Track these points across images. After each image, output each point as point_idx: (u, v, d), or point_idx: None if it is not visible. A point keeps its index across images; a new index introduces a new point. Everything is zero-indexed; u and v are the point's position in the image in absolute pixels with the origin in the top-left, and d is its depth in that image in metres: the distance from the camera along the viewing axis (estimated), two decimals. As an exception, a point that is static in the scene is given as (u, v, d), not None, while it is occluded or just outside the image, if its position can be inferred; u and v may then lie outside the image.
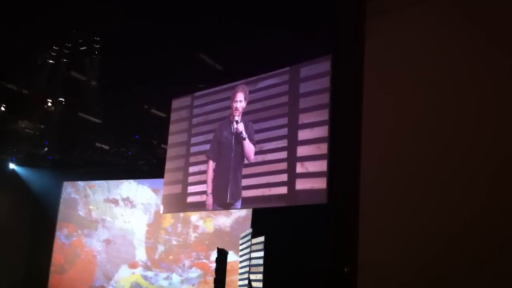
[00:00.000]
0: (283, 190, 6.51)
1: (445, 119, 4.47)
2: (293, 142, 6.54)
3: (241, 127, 7.14)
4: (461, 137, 4.34)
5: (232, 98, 7.44)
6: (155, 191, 11.38)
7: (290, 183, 6.46)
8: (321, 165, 6.17)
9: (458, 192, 4.26)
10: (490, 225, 4.03)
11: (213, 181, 7.46)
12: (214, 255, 7.16)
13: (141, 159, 11.07)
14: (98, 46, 6.84)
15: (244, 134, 7.09)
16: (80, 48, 6.92)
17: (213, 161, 7.52)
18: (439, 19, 4.73)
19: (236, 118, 7.24)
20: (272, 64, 6.87)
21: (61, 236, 12.61)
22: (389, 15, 5.07)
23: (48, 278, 12.33)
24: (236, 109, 7.29)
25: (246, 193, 6.94)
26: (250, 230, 7.24)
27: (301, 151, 6.43)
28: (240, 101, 7.30)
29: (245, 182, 6.98)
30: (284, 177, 6.54)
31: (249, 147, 7.02)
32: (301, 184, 6.35)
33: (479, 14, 4.48)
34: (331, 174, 6.09)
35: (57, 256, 12.49)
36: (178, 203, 8.05)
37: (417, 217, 4.49)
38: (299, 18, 5.88)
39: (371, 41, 5.14)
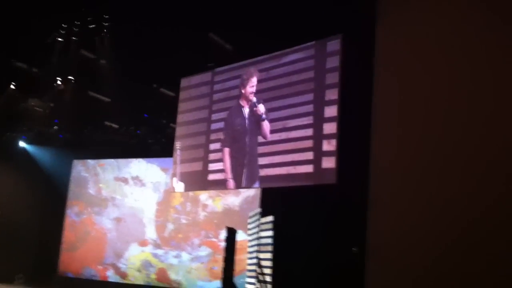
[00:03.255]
0: (309, 168, 6.37)
1: (459, 103, 4.43)
2: (319, 119, 6.36)
3: (262, 108, 7.05)
4: (476, 122, 4.30)
5: (245, 84, 7.35)
6: (165, 170, 11.40)
7: (316, 161, 6.30)
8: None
9: (471, 178, 4.23)
10: (504, 212, 4.01)
11: (231, 166, 7.41)
12: (223, 234, 7.21)
13: (151, 138, 11.10)
14: (107, 24, 6.83)
15: (265, 116, 7.01)
16: (89, 26, 6.92)
17: (228, 148, 7.46)
18: (452, 2, 4.66)
19: (254, 99, 7.16)
20: (296, 38, 6.70)
21: (71, 214, 12.70)
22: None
23: (59, 256, 12.45)
24: (252, 93, 7.22)
25: (269, 171, 6.82)
26: (258, 210, 7.26)
27: (328, 128, 6.25)
28: (253, 86, 7.23)
29: (268, 160, 6.85)
30: (310, 155, 6.38)
31: (267, 126, 6.93)
32: (327, 163, 6.18)
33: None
34: (341, 155, 6.06)
35: (68, 234, 12.59)
36: (198, 181, 7.96)
37: (427, 200, 4.48)
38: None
39: (383, 23, 5.09)
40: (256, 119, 7.07)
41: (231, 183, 7.37)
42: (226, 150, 7.47)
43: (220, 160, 7.58)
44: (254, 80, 7.22)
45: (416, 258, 4.44)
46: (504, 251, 3.92)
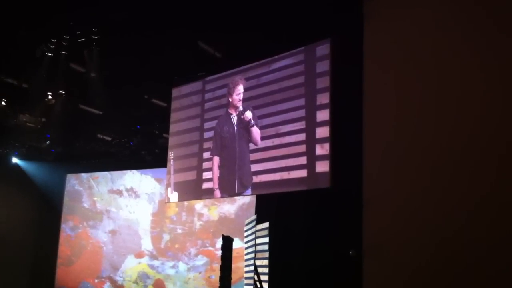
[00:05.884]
0: (303, 173, 6.37)
1: (449, 103, 4.45)
2: (311, 124, 6.39)
3: (249, 114, 7.08)
4: (467, 121, 4.32)
5: (231, 92, 7.38)
6: (159, 180, 11.39)
7: (309, 166, 6.31)
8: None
9: (463, 177, 4.25)
10: (495, 212, 4.03)
11: (220, 176, 7.42)
12: (219, 242, 7.17)
13: (144, 149, 11.08)
14: (96, 37, 6.82)
15: (253, 122, 7.03)
16: (78, 40, 6.91)
17: (218, 157, 7.48)
18: (439, 1, 4.69)
19: (241, 108, 7.20)
20: (285, 44, 6.72)
21: (66, 228, 12.65)
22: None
23: (56, 271, 12.39)
24: (239, 101, 7.26)
25: (263, 178, 6.81)
26: (254, 217, 7.25)
27: (320, 132, 6.26)
28: (240, 94, 7.27)
29: (261, 166, 6.85)
30: (303, 160, 6.38)
31: (257, 132, 6.96)
32: (321, 167, 6.19)
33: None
34: (334, 158, 6.07)
35: (64, 249, 12.54)
36: (193, 190, 7.96)
37: (421, 202, 4.49)
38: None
39: (370, 25, 5.11)
40: (245, 125, 7.10)
41: (217, 193, 7.42)
42: (215, 159, 7.50)
43: (215, 168, 7.61)
44: (240, 88, 7.26)
45: (412, 258, 4.45)
46: (497, 247, 3.95)
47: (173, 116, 8.38)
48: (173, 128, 8.39)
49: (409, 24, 4.86)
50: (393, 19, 4.99)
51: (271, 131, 6.81)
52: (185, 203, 10.70)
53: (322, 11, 5.93)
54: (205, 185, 7.70)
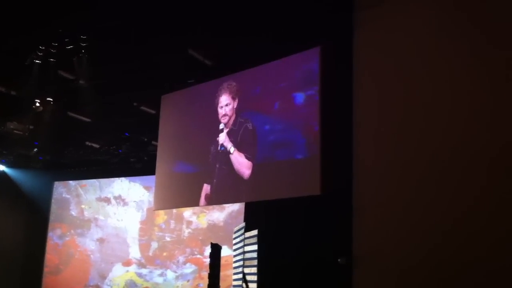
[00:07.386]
0: (293, 181, 6.30)
1: (438, 110, 4.48)
2: (301, 133, 6.32)
3: (222, 137, 7.08)
4: (455, 127, 4.35)
5: (217, 103, 7.32)
6: (147, 188, 11.35)
7: (300, 173, 6.21)
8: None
9: (452, 185, 4.28)
10: (486, 218, 4.05)
11: (209, 183, 7.35)
12: (208, 250, 7.17)
13: (132, 157, 11.04)
14: (84, 44, 6.80)
15: (229, 147, 7.05)
16: (67, 47, 6.88)
17: (207, 164, 7.47)
18: (429, 10, 4.73)
19: (222, 126, 7.19)
20: (274, 53, 6.66)
21: (54, 236, 12.57)
22: (379, 7, 5.07)
23: (42, 279, 12.29)
24: (224, 115, 7.26)
25: (252, 186, 6.75)
26: (243, 224, 7.24)
27: (310, 140, 6.16)
28: (227, 105, 7.23)
29: (251, 174, 6.75)
30: (293, 168, 6.30)
31: (240, 161, 6.92)
32: (311, 174, 6.07)
33: (472, 6, 4.47)
34: (324, 166, 6.06)
35: (51, 257, 12.45)
36: (182, 198, 7.98)
37: (411, 209, 4.52)
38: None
39: (361, 33, 5.14)
40: (233, 137, 7.05)
41: (206, 200, 7.38)
42: (205, 167, 7.45)
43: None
44: (222, 100, 7.21)
45: (401, 265, 4.48)
46: (487, 250, 3.97)
47: (162, 123, 8.36)
48: (162, 135, 8.37)
49: (400, 33, 4.89)
50: (384, 28, 5.02)
51: (260, 139, 6.78)
52: (174, 210, 10.68)
53: (311, 20, 5.95)
54: (195, 193, 7.67)
